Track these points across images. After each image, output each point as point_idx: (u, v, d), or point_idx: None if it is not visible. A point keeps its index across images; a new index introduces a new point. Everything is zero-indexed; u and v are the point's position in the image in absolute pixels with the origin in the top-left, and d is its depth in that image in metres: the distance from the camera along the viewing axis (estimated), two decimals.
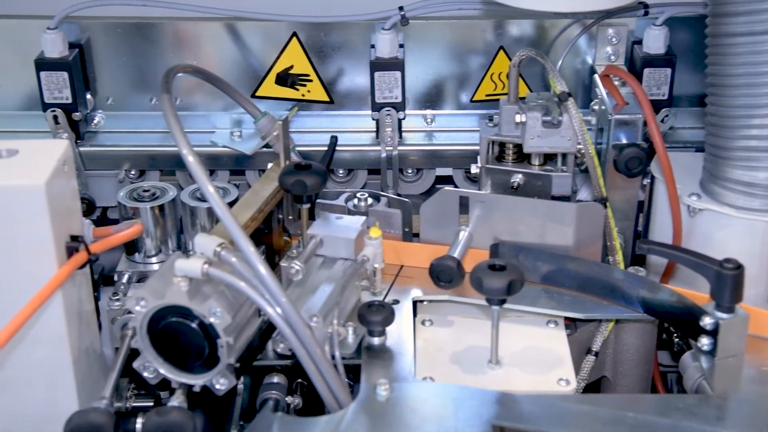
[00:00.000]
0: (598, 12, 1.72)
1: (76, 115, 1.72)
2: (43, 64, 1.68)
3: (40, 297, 1.16)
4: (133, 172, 1.81)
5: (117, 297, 1.52)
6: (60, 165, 1.22)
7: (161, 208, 1.62)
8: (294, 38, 1.77)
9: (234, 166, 1.80)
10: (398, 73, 1.71)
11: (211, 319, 1.21)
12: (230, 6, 1.74)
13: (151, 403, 1.48)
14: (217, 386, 1.25)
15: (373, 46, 1.74)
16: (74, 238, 1.26)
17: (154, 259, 1.66)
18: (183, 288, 1.21)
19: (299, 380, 1.45)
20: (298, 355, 1.20)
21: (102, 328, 1.46)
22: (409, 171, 1.84)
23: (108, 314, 1.52)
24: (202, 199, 1.62)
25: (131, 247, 1.65)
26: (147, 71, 1.80)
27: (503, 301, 1.30)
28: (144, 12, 1.74)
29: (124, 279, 1.59)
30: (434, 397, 1.25)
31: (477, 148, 1.64)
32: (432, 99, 1.83)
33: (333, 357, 1.27)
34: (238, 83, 1.77)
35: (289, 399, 1.49)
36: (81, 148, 1.75)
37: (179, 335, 1.24)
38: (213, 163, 1.80)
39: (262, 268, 1.17)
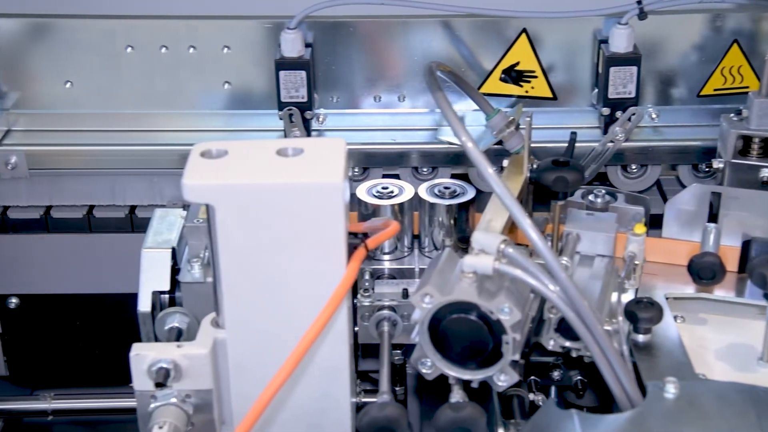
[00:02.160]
0: None
1: (309, 114, 1.75)
2: (282, 64, 1.70)
3: (340, 293, 1.18)
4: (356, 170, 1.82)
5: (368, 294, 1.54)
6: (347, 163, 1.24)
7: (401, 206, 1.63)
8: (523, 34, 1.76)
9: (453, 163, 1.81)
10: (634, 69, 1.69)
11: (500, 316, 1.21)
12: (461, 3, 1.74)
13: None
14: (499, 383, 1.26)
15: (604, 41, 1.73)
16: (354, 235, 1.28)
17: (386, 257, 1.67)
18: (471, 284, 1.21)
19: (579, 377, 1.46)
20: (593, 354, 1.19)
21: None
22: (633, 167, 1.82)
23: (358, 310, 1.54)
24: (441, 196, 1.63)
25: None
26: (372, 69, 1.82)
27: None
28: (372, 11, 1.76)
29: (366, 276, 1.61)
30: (723, 394, 1.23)
31: (700, 143, 1.62)
32: (658, 94, 1.81)
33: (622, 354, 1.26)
34: None
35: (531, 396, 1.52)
36: None
37: (461, 331, 1.24)
38: (433, 160, 1.81)
39: (556, 264, 1.17)
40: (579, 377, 1.56)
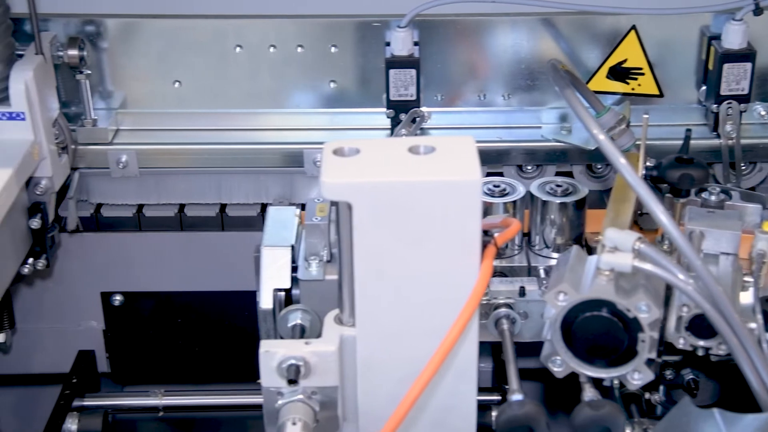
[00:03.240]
0: None
1: (416, 112, 1.75)
2: (393, 63, 1.71)
3: (478, 292, 1.18)
4: None
5: (485, 291, 1.54)
6: (478, 160, 1.24)
7: (514, 204, 1.63)
8: (632, 31, 1.75)
9: (558, 161, 1.81)
10: (749, 65, 1.67)
11: (638, 314, 1.20)
12: (569, 0, 1.74)
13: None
14: (633, 381, 1.25)
15: (714, 38, 1.72)
16: (485, 233, 1.27)
17: None
18: (609, 282, 1.21)
19: (691, 376, 1.44)
20: (734, 351, 1.18)
21: None
22: (742, 165, 1.80)
23: (480, 308, 1.54)
24: (553, 194, 1.62)
25: None
26: (476, 67, 1.82)
27: None
28: (478, 8, 1.76)
29: None
30: None
31: None
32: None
33: None
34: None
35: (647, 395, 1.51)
36: None
37: (595, 329, 1.24)
38: (538, 158, 1.81)
39: (698, 260, 1.16)
40: (691, 376, 1.55)
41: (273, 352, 1.24)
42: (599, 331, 1.23)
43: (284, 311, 1.45)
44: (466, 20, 1.79)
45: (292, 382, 1.23)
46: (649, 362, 1.24)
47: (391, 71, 1.71)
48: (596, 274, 1.22)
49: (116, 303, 1.96)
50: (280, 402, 1.25)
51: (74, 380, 1.74)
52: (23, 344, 1.97)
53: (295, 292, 1.51)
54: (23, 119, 1.49)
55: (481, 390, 1.85)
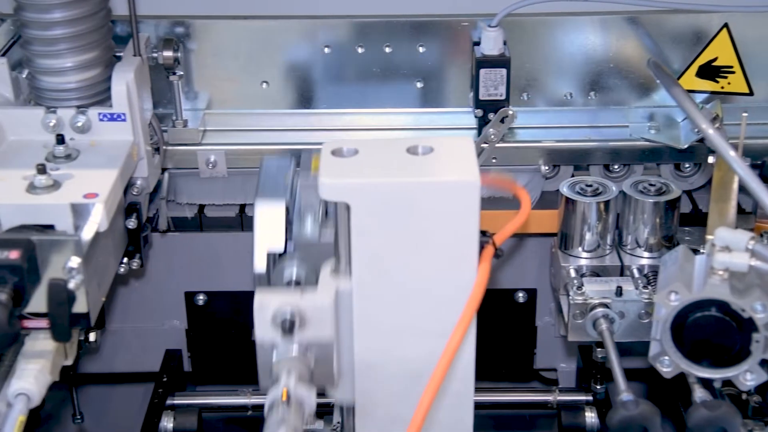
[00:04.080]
0: None
1: (503, 112, 1.74)
2: (483, 62, 1.70)
3: (477, 294, 1.15)
4: (546, 168, 1.81)
5: (581, 291, 1.53)
6: (477, 161, 1.21)
7: (606, 203, 1.62)
8: (724, 29, 1.74)
9: (647, 160, 1.80)
10: None
11: (753, 314, 1.19)
12: None
13: None
14: (745, 382, 1.24)
15: None
16: (482, 233, 1.22)
17: (584, 254, 1.66)
18: (723, 282, 1.20)
19: None
20: None
21: None
22: None
23: (570, 308, 1.53)
24: (646, 194, 1.62)
25: (567, 241, 1.66)
26: (563, 66, 1.81)
27: None
28: (564, 7, 1.75)
29: (572, 273, 1.61)
30: None
31: None
32: None
33: None
34: None
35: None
36: (499, 144, 1.77)
37: (706, 329, 1.23)
38: (626, 158, 1.80)
39: None
40: None
41: (267, 303, 1.20)
42: (712, 332, 1.23)
43: (280, 265, 1.35)
44: (553, 19, 1.78)
45: (288, 332, 1.18)
46: (762, 363, 1.23)
47: (482, 71, 1.71)
48: (709, 273, 1.21)
49: (200, 303, 1.98)
50: (275, 356, 1.20)
51: (165, 379, 1.75)
52: (110, 343, 1.99)
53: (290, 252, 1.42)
54: (124, 120, 1.50)
55: (567, 390, 1.85)
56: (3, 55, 1.59)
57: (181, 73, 1.72)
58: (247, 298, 1.94)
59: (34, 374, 1.24)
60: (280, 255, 1.39)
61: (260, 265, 1.39)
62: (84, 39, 1.50)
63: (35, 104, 1.57)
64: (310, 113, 1.84)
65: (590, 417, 1.80)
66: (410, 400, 1.12)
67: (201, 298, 1.98)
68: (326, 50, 1.79)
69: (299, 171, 1.45)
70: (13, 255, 1.15)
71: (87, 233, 1.27)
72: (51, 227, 1.27)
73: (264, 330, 1.20)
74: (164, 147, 1.73)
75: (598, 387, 1.81)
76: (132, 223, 1.58)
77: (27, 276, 1.16)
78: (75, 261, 1.20)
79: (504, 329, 1.99)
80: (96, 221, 1.28)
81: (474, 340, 1.23)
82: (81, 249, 1.21)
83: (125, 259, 1.60)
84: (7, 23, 1.67)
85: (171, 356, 1.86)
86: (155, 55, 1.66)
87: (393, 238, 1.18)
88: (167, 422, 1.65)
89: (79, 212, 1.29)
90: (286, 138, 1.81)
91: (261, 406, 1.74)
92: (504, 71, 1.71)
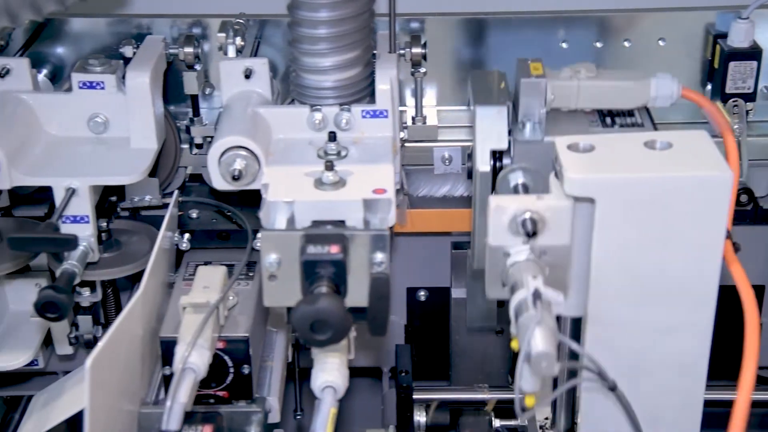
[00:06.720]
0: None
1: (750, 105, 1.72)
2: (734, 55, 1.69)
3: (749, 295, 1.15)
4: None
5: None
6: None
7: None
8: None
9: None
10: None
11: None
12: None
13: None
14: None
15: None
16: None
17: None
18: None
19: None
20: None
21: None
22: None
23: None
24: None
25: None
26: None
27: None
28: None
29: None
30: None
31: None
32: None
33: None
34: None
35: None
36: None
37: None
38: None
39: None
40: None
41: (504, 207, 1.17)
42: None
43: (505, 171, 1.36)
44: None
45: (531, 236, 1.16)
46: None
47: (731, 63, 1.68)
48: None
49: (421, 298, 1.99)
50: (509, 261, 1.18)
51: (404, 373, 1.76)
52: None
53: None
54: (386, 117, 1.51)
55: None
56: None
57: (424, 70, 1.73)
58: None
59: (336, 367, 1.26)
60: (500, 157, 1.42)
61: (483, 164, 1.42)
62: (347, 39, 1.52)
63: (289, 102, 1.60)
64: None
65: None
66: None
67: (422, 294, 1.98)
68: (563, 45, 1.78)
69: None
70: (334, 249, 1.16)
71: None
72: (342, 222, 1.29)
73: (498, 234, 1.18)
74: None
75: None
76: None
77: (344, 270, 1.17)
78: (380, 255, 1.21)
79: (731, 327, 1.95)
80: (391, 216, 1.29)
81: (710, 337, 1.24)
82: (386, 243, 1.22)
83: None
84: None
85: (402, 351, 1.86)
86: (402, 52, 1.67)
87: (637, 233, 1.17)
88: (419, 416, 1.66)
89: (369, 207, 1.30)
90: None
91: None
92: (755, 64, 1.68)
